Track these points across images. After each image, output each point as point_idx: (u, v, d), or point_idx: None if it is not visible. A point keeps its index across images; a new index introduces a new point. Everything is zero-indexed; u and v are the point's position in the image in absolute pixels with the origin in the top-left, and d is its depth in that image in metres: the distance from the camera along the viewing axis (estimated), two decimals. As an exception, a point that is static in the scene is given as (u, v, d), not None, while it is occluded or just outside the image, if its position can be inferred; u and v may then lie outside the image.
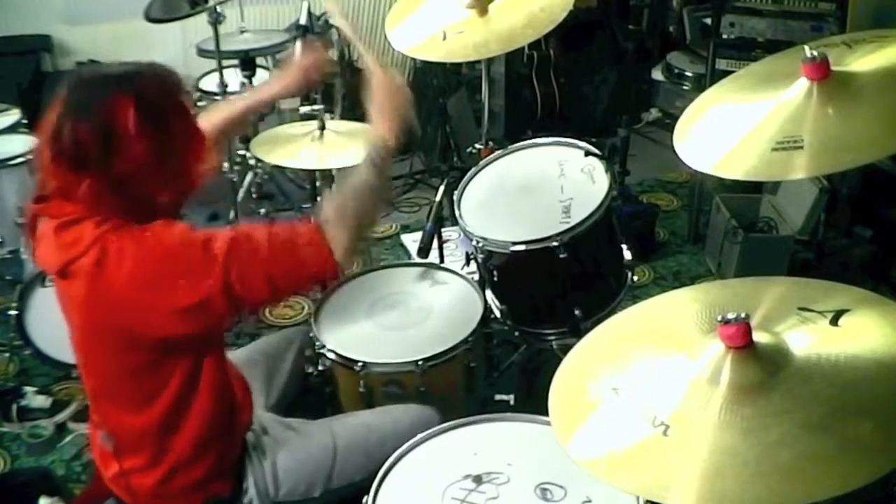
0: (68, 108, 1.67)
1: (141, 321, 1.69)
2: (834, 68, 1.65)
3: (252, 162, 4.04)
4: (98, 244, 1.68)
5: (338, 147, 2.76)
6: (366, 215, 1.84)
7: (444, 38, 2.55)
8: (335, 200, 1.81)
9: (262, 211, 4.06)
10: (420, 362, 2.25)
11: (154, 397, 1.80)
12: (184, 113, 1.78)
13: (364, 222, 1.84)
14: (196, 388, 1.83)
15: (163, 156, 1.70)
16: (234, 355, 2.27)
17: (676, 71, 5.20)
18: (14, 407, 3.00)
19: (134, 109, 1.65)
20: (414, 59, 4.82)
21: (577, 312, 2.44)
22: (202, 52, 4.03)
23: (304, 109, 2.80)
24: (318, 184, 3.24)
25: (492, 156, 2.72)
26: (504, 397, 2.57)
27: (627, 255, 2.62)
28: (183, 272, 1.68)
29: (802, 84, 1.66)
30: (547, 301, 2.56)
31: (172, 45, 4.57)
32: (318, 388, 2.40)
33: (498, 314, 2.58)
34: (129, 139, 1.65)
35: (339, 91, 4.59)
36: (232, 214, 3.72)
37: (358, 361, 2.25)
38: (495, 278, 2.52)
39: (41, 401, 3.04)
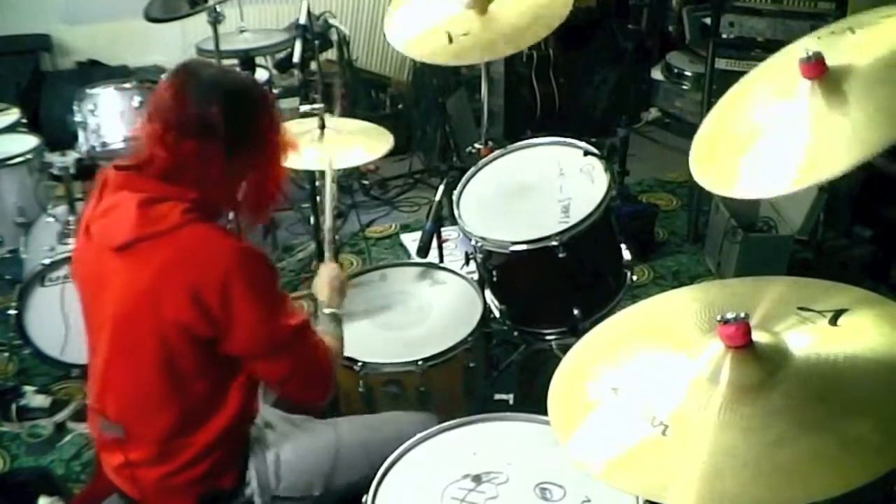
0: (216, 88, 1.76)
1: (203, 321, 1.72)
2: (830, 64, 1.62)
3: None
4: (185, 230, 1.72)
5: (338, 146, 2.76)
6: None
7: (451, 40, 2.55)
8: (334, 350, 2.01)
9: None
10: (420, 362, 2.25)
11: (184, 398, 1.80)
12: (282, 144, 1.90)
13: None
14: (226, 394, 1.85)
15: (271, 168, 1.87)
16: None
17: (676, 70, 5.21)
18: (13, 406, 3.00)
19: (267, 112, 1.84)
20: (413, 59, 4.83)
21: (576, 312, 2.44)
22: (202, 52, 4.02)
23: (304, 108, 2.78)
24: (317, 184, 3.23)
25: (491, 155, 2.73)
26: (503, 397, 2.57)
27: (627, 254, 2.62)
28: (253, 317, 1.76)
29: (804, 85, 1.64)
30: (546, 301, 2.56)
31: (172, 45, 4.57)
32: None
33: (497, 314, 2.59)
34: (259, 137, 1.81)
35: (338, 90, 4.59)
36: (231, 214, 3.70)
37: (358, 361, 2.26)
38: (494, 278, 2.52)
39: (40, 400, 3.03)
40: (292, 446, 2.00)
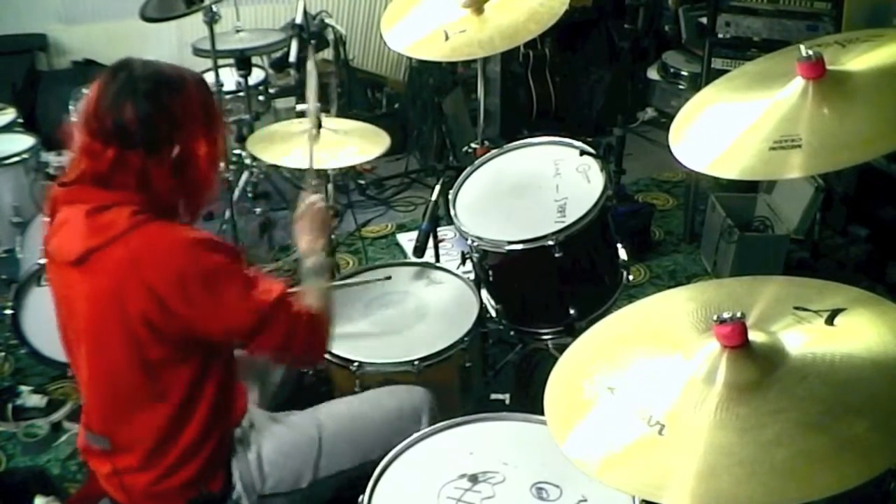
0: (128, 89, 1.73)
1: (166, 317, 1.71)
2: (829, 67, 1.65)
3: (248, 161, 4.03)
4: (135, 232, 1.70)
5: (334, 145, 2.76)
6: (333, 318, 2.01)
7: (447, 38, 2.54)
8: (321, 308, 1.94)
9: (258, 210, 4.05)
10: (416, 362, 2.25)
11: (163, 398, 1.80)
12: (222, 129, 1.91)
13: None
14: (203, 390, 1.84)
15: (210, 160, 1.83)
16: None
17: (672, 70, 5.21)
18: (9, 406, 3.00)
19: (199, 105, 1.80)
20: (410, 59, 4.83)
21: (572, 312, 2.44)
22: (198, 52, 4.02)
23: (301, 108, 2.78)
24: (314, 183, 3.23)
25: (487, 155, 2.73)
26: (500, 396, 2.57)
27: (623, 254, 2.62)
28: (221, 303, 1.75)
29: (798, 83, 1.66)
30: (542, 300, 2.56)
31: (168, 45, 4.57)
32: (313, 388, 2.40)
33: (493, 313, 2.58)
34: (182, 128, 1.76)
35: (334, 89, 4.59)
36: (227, 213, 3.71)
37: (354, 361, 2.25)
38: (491, 278, 2.52)
39: (36, 400, 3.03)
40: (272, 441, 1.99)
